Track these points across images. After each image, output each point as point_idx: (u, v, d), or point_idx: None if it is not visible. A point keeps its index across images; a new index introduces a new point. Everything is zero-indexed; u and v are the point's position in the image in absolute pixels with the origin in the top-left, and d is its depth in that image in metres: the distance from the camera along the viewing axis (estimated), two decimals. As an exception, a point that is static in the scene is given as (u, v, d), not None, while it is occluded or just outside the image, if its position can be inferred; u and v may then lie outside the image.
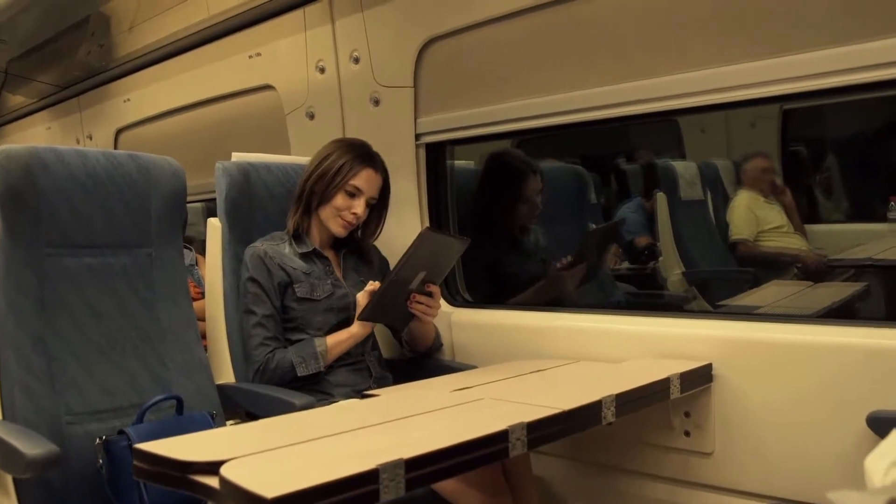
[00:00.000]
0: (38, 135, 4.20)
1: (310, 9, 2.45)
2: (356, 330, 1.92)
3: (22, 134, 4.39)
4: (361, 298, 1.90)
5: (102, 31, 3.26)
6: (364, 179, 1.97)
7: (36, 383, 1.58)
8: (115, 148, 3.59)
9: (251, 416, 1.85)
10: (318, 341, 1.91)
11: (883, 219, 3.07)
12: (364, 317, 1.89)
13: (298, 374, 1.87)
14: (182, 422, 1.64)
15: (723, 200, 3.44)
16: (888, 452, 0.89)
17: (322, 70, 2.45)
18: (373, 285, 1.89)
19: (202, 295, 2.30)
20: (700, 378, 1.66)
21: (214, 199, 2.07)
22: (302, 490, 0.92)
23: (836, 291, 2.67)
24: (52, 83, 3.83)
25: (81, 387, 1.64)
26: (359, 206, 1.97)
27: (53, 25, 3.25)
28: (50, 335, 1.63)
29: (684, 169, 3.40)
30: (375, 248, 2.14)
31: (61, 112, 3.98)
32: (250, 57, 2.69)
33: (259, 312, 1.92)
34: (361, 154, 1.99)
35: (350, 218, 1.98)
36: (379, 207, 2.06)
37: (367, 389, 1.87)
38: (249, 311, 1.93)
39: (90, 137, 3.80)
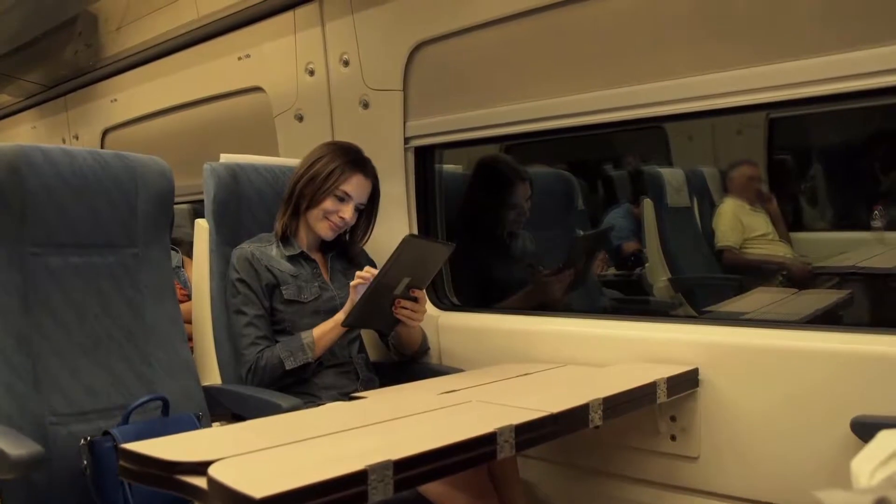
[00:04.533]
0: (24, 134, 4.17)
1: (300, 11, 2.45)
2: (341, 317, 1.88)
3: (7, 133, 4.36)
4: (353, 290, 1.85)
5: (90, 31, 3.25)
6: (354, 185, 1.97)
7: (20, 383, 1.56)
8: (102, 148, 3.56)
9: (237, 418, 1.84)
10: (304, 334, 1.89)
11: (867, 227, 3.10)
12: (349, 323, 1.87)
13: (287, 368, 1.85)
14: (168, 423, 1.63)
15: (709, 207, 3.46)
16: (874, 455, 0.90)
17: (311, 72, 2.45)
18: (368, 273, 1.81)
19: (188, 297, 2.29)
20: (686, 382, 1.67)
21: (202, 201, 2.06)
22: (290, 490, 0.91)
23: (820, 298, 2.70)
24: (39, 82, 3.81)
25: (66, 387, 1.63)
26: (347, 211, 1.97)
27: (40, 24, 3.23)
28: (34, 335, 1.62)
29: (671, 176, 3.42)
30: (364, 251, 2.14)
31: (47, 111, 3.95)
32: (239, 59, 2.68)
33: (250, 312, 1.91)
34: (353, 159, 1.99)
35: (338, 221, 1.97)
36: (368, 212, 2.06)
37: (353, 392, 1.87)
38: (240, 311, 1.92)
39: (76, 137, 3.77)
